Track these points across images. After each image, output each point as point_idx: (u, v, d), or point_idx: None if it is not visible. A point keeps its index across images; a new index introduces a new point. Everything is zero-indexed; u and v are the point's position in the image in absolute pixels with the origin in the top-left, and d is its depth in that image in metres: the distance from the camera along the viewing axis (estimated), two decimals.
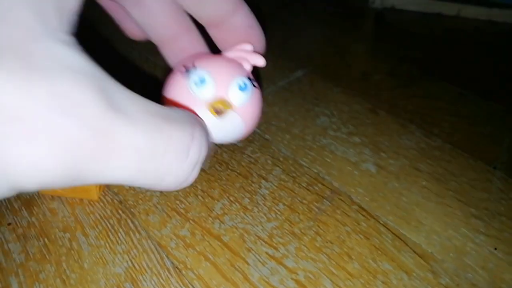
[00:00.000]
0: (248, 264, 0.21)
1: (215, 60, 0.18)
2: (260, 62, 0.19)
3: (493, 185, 0.27)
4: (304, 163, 0.27)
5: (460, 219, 0.24)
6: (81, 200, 0.24)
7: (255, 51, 0.19)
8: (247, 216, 0.23)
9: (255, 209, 0.24)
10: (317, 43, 0.44)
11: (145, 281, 0.20)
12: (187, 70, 0.18)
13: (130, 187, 0.25)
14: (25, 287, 0.20)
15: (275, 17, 0.48)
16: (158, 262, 0.21)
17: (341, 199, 0.25)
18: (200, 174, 0.16)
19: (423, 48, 0.43)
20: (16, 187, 0.11)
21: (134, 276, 0.20)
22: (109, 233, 0.22)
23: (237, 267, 0.21)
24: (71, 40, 0.12)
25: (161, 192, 0.25)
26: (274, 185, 0.26)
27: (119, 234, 0.22)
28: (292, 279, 0.20)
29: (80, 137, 0.11)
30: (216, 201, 0.24)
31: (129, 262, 0.21)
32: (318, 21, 0.48)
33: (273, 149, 0.28)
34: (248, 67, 0.19)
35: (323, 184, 0.26)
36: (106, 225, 0.22)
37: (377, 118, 0.32)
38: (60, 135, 0.11)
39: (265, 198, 0.25)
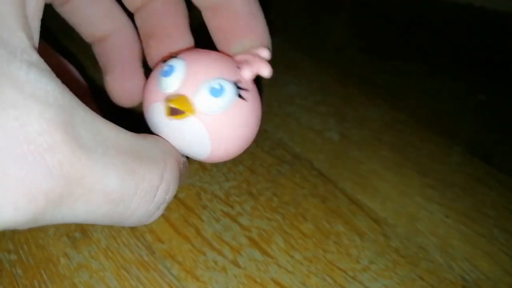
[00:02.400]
0: (202, 220, 0.21)
1: (204, 55, 0.15)
2: (265, 72, 0.15)
3: (451, 158, 0.27)
4: (268, 129, 0.27)
5: (415, 188, 0.24)
6: None
7: (261, 54, 0.16)
8: (205, 175, 0.23)
9: (214, 169, 0.24)
10: (294, 14, 0.44)
11: (95, 231, 0.20)
12: (164, 60, 0.14)
13: None
14: None
15: None
16: None
17: (301, 164, 0.25)
18: None
19: (399, 27, 0.43)
20: None
21: (84, 226, 0.20)
22: None
23: (190, 222, 0.21)
24: (36, 58, 0.10)
25: None
26: None
27: None
28: (245, 235, 0.20)
29: (48, 186, 0.10)
30: None
31: None
32: None
33: None
34: (247, 74, 0.15)
35: (285, 149, 0.26)
36: None
37: (345, 90, 0.32)
38: (26, 185, 0.09)
39: None
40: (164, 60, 0.14)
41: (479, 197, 0.24)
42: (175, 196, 0.22)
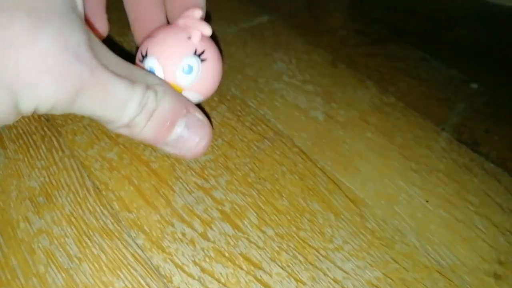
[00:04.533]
0: (174, 191, 0.20)
1: (163, 41, 0.18)
2: (207, 31, 0.19)
3: (437, 144, 0.26)
4: (251, 104, 0.26)
5: (398, 171, 0.24)
6: None
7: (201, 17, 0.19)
8: None
9: None
10: None
11: (60, 197, 0.19)
12: (142, 57, 0.19)
13: None
14: None
15: None
16: (77, 181, 0.20)
17: (282, 141, 0.24)
18: None
19: (397, 12, 0.42)
20: (20, 108, 0.13)
21: (49, 191, 0.19)
22: (30, 148, 0.21)
23: (161, 193, 0.20)
24: None
25: None
26: (217, 121, 0.25)
27: (41, 150, 0.21)
28: (217, 209, 0.20)
29: (83, 76, 0.13)
30: None
31: (47, 178, 0.20)
32: None
33: (222, 87, 0.27)
34: (196, 39, 0.18)
35: (267, 126, 0.25)
36: (28, 140, 0.21)
37: (335, 70, 0.31)
38: (68, 71, 0.13)
39: None
40: (142, 56, 0.19)
41: (463, 183, 0.24)
42: (148, 166, 0.21)
